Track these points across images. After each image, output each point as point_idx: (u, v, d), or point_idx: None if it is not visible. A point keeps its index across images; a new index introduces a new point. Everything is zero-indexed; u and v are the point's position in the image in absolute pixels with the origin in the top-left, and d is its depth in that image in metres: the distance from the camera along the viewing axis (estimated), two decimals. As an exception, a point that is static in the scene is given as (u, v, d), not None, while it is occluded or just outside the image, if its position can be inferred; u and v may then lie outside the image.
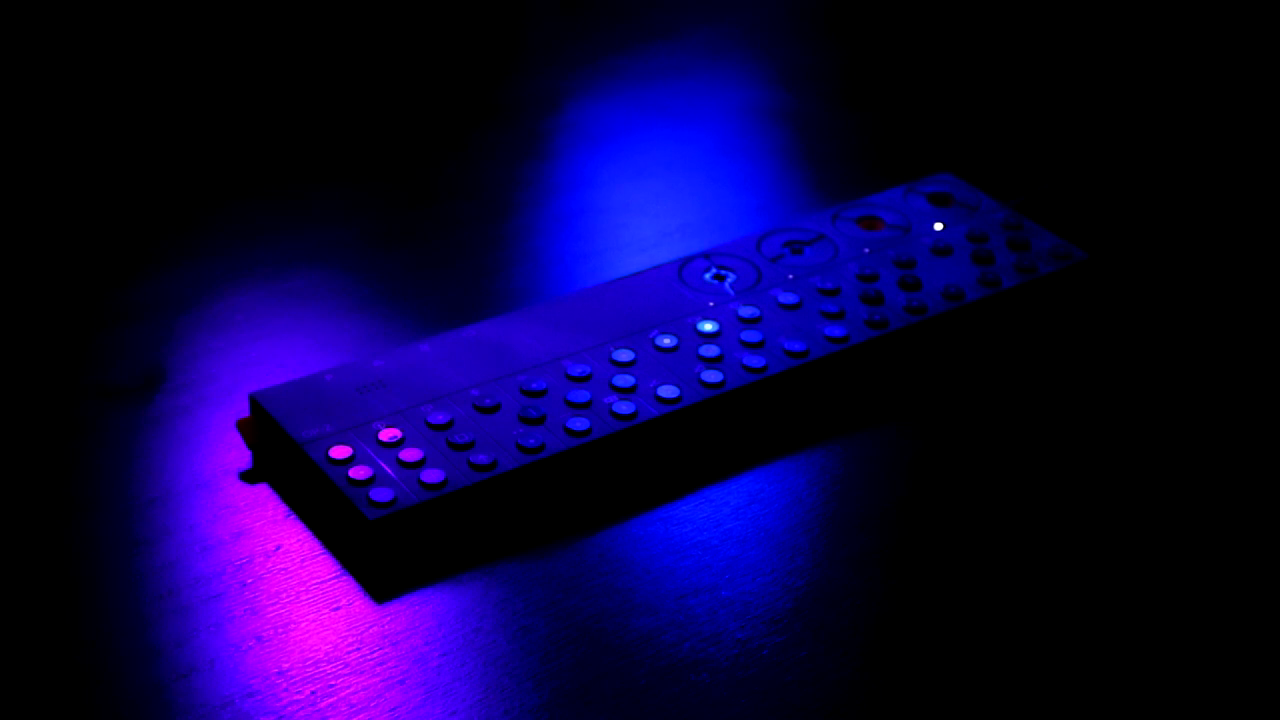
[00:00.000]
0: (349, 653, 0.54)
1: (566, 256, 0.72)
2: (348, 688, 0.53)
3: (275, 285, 0.69)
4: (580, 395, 0.61)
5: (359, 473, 0.58)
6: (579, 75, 0.82)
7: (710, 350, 0.63)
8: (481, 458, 0.58)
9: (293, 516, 0.59)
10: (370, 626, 0.55)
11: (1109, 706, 0.54)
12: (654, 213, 0.74)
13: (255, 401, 0.60)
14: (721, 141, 0.79)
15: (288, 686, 0.53)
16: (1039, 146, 0.78)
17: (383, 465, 0.58)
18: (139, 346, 0.65)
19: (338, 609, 0.56)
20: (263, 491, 0.59)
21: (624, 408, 0.60)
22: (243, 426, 0.60)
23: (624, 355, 0.63)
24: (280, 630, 0.55)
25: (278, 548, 0.58)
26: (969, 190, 0.72)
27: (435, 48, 0.83)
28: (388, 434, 0.59)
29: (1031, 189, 0.73)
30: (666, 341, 0.63)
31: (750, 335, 0.64)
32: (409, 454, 0.58)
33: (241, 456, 0.61)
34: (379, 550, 0.57)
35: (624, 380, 0.61)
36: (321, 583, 0.56)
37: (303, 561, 0.57)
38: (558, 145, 0.78)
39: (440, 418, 0.60)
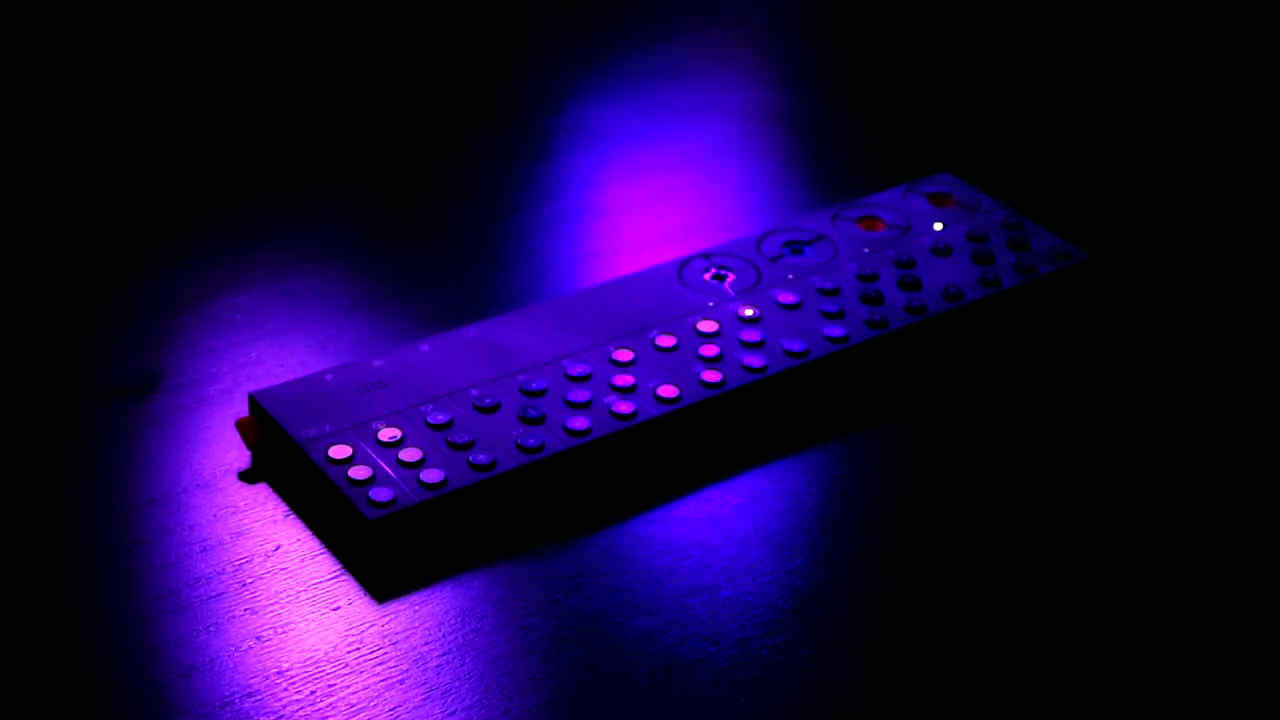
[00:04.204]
0: (349, 653, 0.54)
1: (566, 256, 0.72)
2: (347, 688, 0.53)
3: (275, 285, 0.69)
4: (580, 395, 0.61)
5: (359, 472, 0.58)
6: (579, 75, 0.82)
7: (710, 350, 0.63)
8: (481, 457, 0.58)
9: (292, 516, 0.59)
10: (370, 626, 0.55)
11: (1109, 706, 0.54)
12: (654, 213, 0.74)
13: (255, 401, 0.60)
14: (721, 141, 0.79)
15: (288, 686, 0.53)
16: (1039, 146, 0.78)
17: (382, 465, 0.58)
18: (139, 346, 0.65)
19: (337, 609, 0.56)
20: (262, 491, 0.59)
21: (624, 407, 0.60)
22: (242, 426, 0.60)
23: (624, 355, 0.63)
24: (280, 630, 0.55)
25: (277, 548, 0.58)
26: (969, 190, 0.72)
27: (435, 48, 0.83)
28: (387, 434, 0.59)
29: (1031, 189, 0.73)
30: (666, 341, 0.63)
31: (750, 335, 0.64)
32: (409, 454, 0.58)
33: (241, 456, 0.61)
34: (379, 550, 0.57)
35: (624, 380, 0.61)
36: (321, 583, 0.57)
37: (302, 561, 0.57)
38: (558, 145, 0.78)
39: (440, 418, 0.60)
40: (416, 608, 0.56)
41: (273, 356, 0.65)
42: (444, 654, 0.54)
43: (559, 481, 0.59)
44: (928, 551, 0.59)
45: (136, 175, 0.74)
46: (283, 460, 0.60)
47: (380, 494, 0.57)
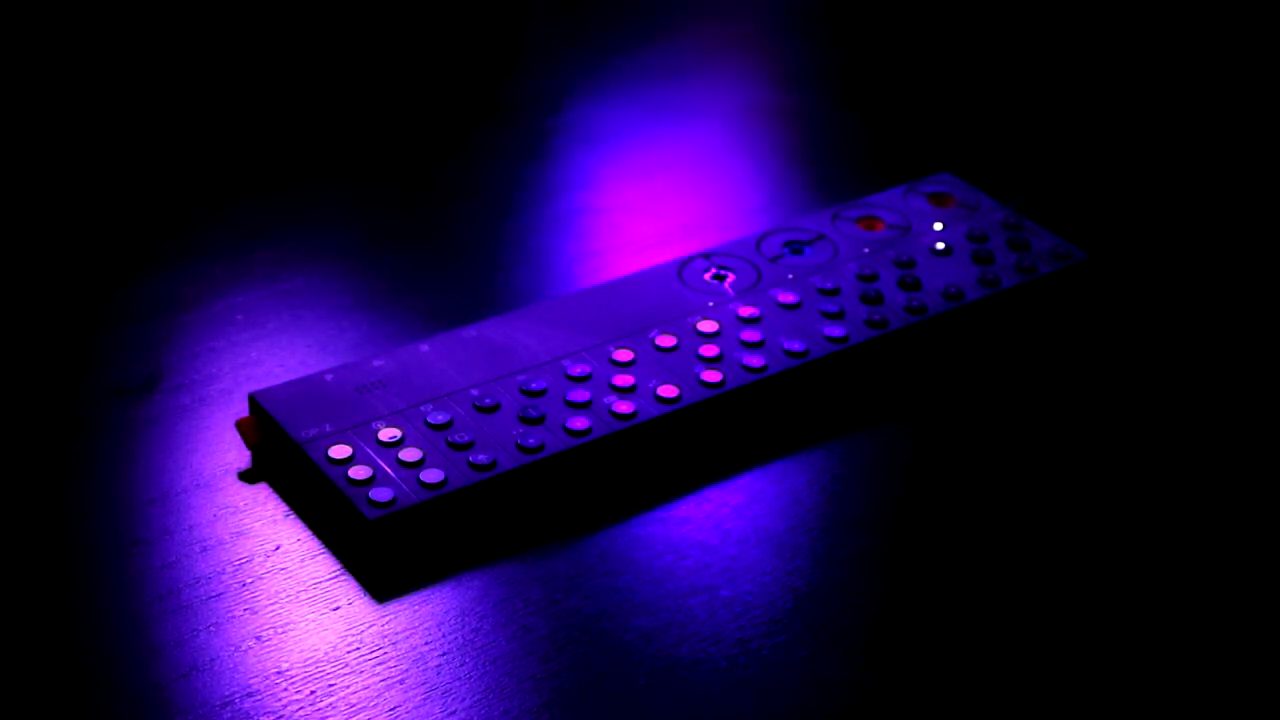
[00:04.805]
0: (349, 653, 0.54)
1: (566, 256, 0.72)
2: (347, 688, 0.53)
3: (275, 285, 0.69)
4: (580, 395, 0.61)
5: (359, 472, 0.58)
6: (579, 75, 0.82)
7: (710, 350, 0.63)
8: (481, 457, 0.58)
9: (292, 516, 0.59)
10: (370, 626, 0.55)
11: (1109, 706, 0.54)
12: (654, 213, 0.74)
13: (255, 401, 0.60)
14: (721, 141, 0.79)
15: (288, 686, 0.53)
16: (1039, 146, 0.78)
17: (382, 465, 0.58)
18: (139, 346, 0.65)
19: (337, 609, 0.56)
20: (262, 491, 0.59)
21: (624, 407, 0.60)
22: (242, 426, 0.60)
23: (624, 355, 0.63)
24: (280, 630, 0.55)
25: (277, 548, 0.58)
26: (969, 190, 0.72)
27: (435, 48, 0.83)
28: (387, 434, 0.59)
29: (1031, 189, 0.73)
30: (666, 341, 0.63)
31: (750, 335, 0.64)
32: (409, 454, 0.58)
33: (241, 456, 0.61)
34: (379, 550, 0.57)
35: (624, 380, 0.61)
36: (321, 583, 0.57)
37: (302, 561, 0.57)
38: (558, 145, 0.78)
39: (440, 418, 0.60)
40: (416, 608, 0.56)
41: (273, 356, 0.65)
42: (444, 654, 0.54)
43: (559, 481, 0.59)
44: (928, 551, 0.59)
45: (136, 175, 0.74)
46: (283, 460, 0.60)
47: (380, 494, 0.57)
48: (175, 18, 0.84)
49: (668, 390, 0.61)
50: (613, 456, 0.60)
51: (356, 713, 0.53)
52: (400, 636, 0.55)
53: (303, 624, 0.55)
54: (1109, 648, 0.55)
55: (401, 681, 0.54)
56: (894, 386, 0.65)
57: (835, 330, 0.64)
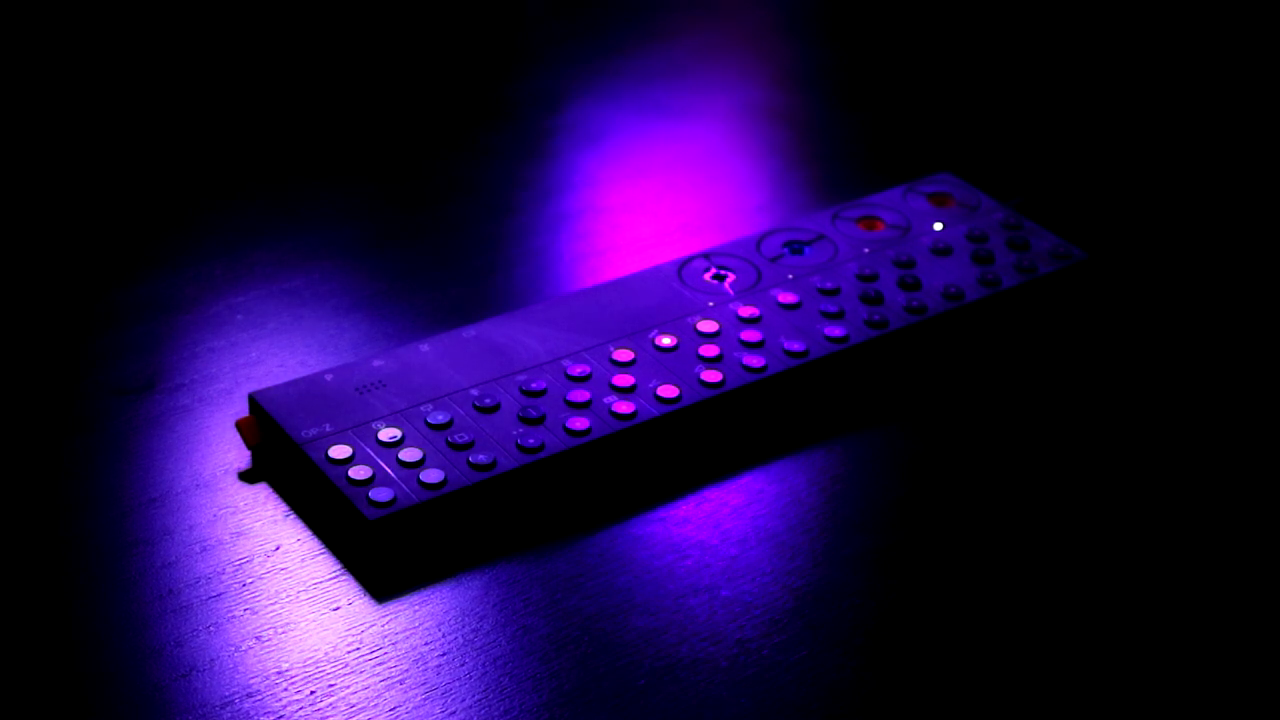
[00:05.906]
0: (349, 653, 0.54)
1: (566, 256, 0.72)
2: (347, 688, 0.53)
3: (275, 285, 0.69)
4: (580, 395, 0.61)
5: (359, 472, 0.58)
6: (579, 75, 0.82)
7: (710, 350, 0.63)
8: (481, 457, 0.58)
9: (292, 516, 0.59)
10: (370, 626, 0.55)
11: (1109, 706, 0.54)
12: (654, 213, 0.74)
13: (255, 401, 0.60)
14: (721, 141, 0.79)
15: (288, 686, 0.53)
16: (1039, 146, 0.78)
17: (382, 465, 0.58)
18: (139, 346, 0.65)
19: (337, 609, 0.56)
20: (262, 491, 0.59)
21: (624, 407, 0.60)
22: (242, 426, 0.60)
23: (624, 355, 0.63)
24: (280, 630, 0.55)
25: (277, 548, 0.58)
26: (969, 190, 0.72)
27: (435, 48, 0.83)
28: (387, 434, 0.59)
29: (1031, 189, 0.73)
30: (666, 341, 0.63)
31: (750, 335, 0.64)
32: (409, 454, 0.58)
33: (241, 456, 0.61)
34: (379, 550, 0.57)
35: (624, 380, 0.61)
36: (321, 583, 0.57)
37: (302, 561, 0.57)
38: (558, 145, 0.78)
39: (440, 418, 0.60)
40: (416, 608, 0.56)
41: (273, 356, 0.65)
42: (444, 654, 0.54)
43: (559, 481, 0.59)
44: (927, 551, 0.59)
45: (136, 175, 0.74)
46: (283, 460, 0.60)
47: (380, 494, 0.57)
48: (175, 17, 0.84)
49: (668, 390, 0.61)
50: (613, 456, 0.60)
51: (356, 713, 0.53)
52: (400, 636, 0.55)
53: (303, 624, 0.55)
54: (1109, 647, 0.55)
55: (401, 681, 0.54)
56: (894, 386, 0.65)
57: (835, 330, 0.64)
